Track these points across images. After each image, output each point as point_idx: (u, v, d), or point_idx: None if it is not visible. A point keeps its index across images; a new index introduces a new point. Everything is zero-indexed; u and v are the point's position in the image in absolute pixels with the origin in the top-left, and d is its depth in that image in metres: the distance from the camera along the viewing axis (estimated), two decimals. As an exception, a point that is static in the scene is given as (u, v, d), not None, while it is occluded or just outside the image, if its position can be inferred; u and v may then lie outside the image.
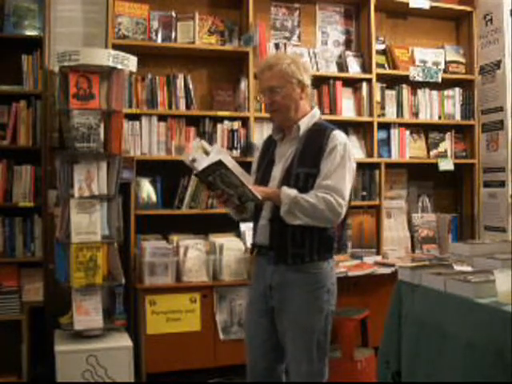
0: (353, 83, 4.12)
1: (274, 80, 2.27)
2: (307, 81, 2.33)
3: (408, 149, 4.21)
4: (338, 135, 2.27)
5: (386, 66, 4.21)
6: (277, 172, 2.30)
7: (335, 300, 2.32)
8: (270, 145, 2.43)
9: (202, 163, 2.10)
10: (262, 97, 2.39)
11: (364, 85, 4.06)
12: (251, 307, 2.40)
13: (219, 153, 2.21)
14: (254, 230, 2.37)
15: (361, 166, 4.06)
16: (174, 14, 3.74)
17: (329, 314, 2.28)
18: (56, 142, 3.39)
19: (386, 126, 4.15)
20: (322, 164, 2.21)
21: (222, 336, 3.38)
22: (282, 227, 2.21)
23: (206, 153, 2.23)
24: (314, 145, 2.25)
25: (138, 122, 3.60)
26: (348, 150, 2.25)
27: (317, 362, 2.25)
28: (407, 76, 4.15)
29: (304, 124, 2.31)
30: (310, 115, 2.34)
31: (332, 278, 2.30)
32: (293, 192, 2.17)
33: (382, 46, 4.24)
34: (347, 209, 2.25)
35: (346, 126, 4.13)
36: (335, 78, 4.03)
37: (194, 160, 2.19)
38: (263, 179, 2.33)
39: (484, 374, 1.81)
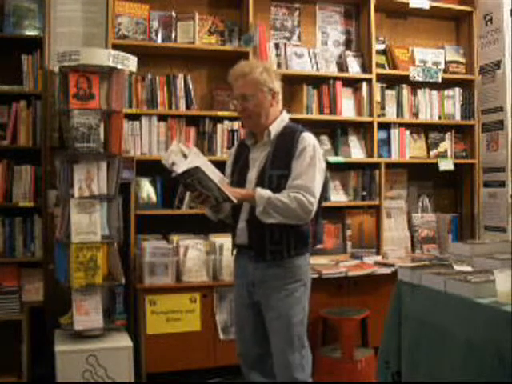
0: (353, 83, 4.12)
1: (247, 88, 2.40)
2: (278, 88, 2.47)
3: (408, 149, 4.21)
4: (307, 137, 2.40)
5: (385, 65, 4.21)
6: (252, 175, 2.43)
7: (309, 294, 2.49)
8: (243, 150, 2.55)
9: (181, 166, 2.22)
10: (235, 103, 2.51)
11: (364, 85, 4.06)
12: (237, 302, 2.56)
13: (196, 156, 2.31)
14: (234, 231, 2.50)
15: (361, 166, 4.07)
16: (174, 14, 3.74)
17: (305, 307, 2.45)
18: (56, 142, 3.39)
19: (385, 126, 4.15)
20: (293, 165, 2.35)
21: (221, 336, 3.39)
22: (260, 227, 2.35)
23: (185, 155, 2.33)
24: (285, 147, 2.39)
25: (138, 122, 3.60)
26: (317, 150, 2.39)
27: (297, 353, 2.39)
28: (407, 76, 4.15)
29: (274, 129, 2.44)
30: (280, 119, 2.48)
31: (308, 272, 2.48)
32: (267, 193, 2.31)
33: (382, 46, 4.24)
34: (318, 206, 2.39)
35: (346, 126, 4.14)
36: (335, 78, 4.03)
37: (173, 163, 2.30)
38: (239, 183, 2.46)
39: (484, 373, 1.81)
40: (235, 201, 2.28)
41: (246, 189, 2.41)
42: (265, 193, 2.31)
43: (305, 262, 2.44)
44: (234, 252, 2.58)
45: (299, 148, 2.36)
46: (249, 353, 2.52)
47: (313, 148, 2.37)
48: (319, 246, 3.87)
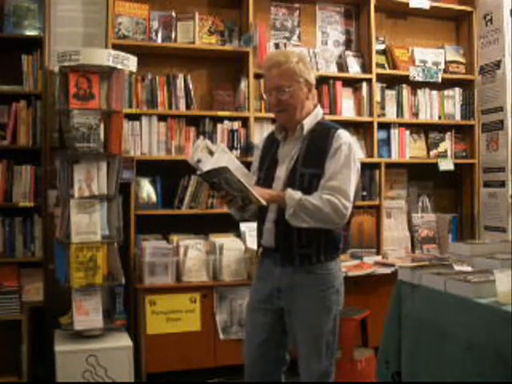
0: (353, 83, 4.12)
1: (282, 79, 2.21)
2: (313, 80, 2.30)
3: (408, 149, 4.21)
4: (343, 135, 2.24)
5: (385, 65, 4.21)
6: (281, 172, 2.27)
7: (343, 299, 2.33)
8: (271, 144, 2.38)
9: (207, 164, 2.08)
10: (267, 95, 2.32)
11: (364, 85, 4.06)
12: (255, 307, 2.36)
13: (223, 152, 2.17)
14: (260, 231, 2.34)
15: (361, 166, 4.05)
16: (174, 14, 3.74)
17: (337, 315, 2.29)
18: (56, 142, 3.39)
19: (386, 126, 4.15)
20: (327, 164, 2.18)
21: (222, 336, 3.39)
22: (288, 229, 2.19)
23: (211, 152, 2.18)
24: (319, 145, 2.22)
25: (138, 122, 3.60)
26: (353, 149, 2.22)
27: (325, 361, 2.25)
28: (407, 76, 4.15)
29: (307, 124, 2.27)
30: (314, 114, 2.31)
31: (340, 278, 2.31)
32: (298, 195, 2.14)
33: (382, 46, 4.24)
34: (352, 209, 2.23)
35: (346, 126, 4.10)
36: (335, 78, 4.03)
37: (199, 160, 2.15)
38: (266, 179, 2.29)
39: (484, 374, 1.81)
40: (265, 203, 2.09)
41: (275, 189, 2.23)
42: (296, 194, 2.14)
43: (336, 267, 2.28)
44: (259, 254, 2.37)
45: (334, 146, 2.18)
46: (256, 361, 2.34)
47: (348, 147, 2.20)
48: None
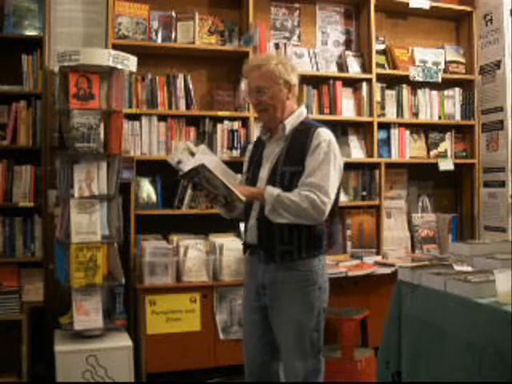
0: (353, 83, 4.12)
1: (262, 80, 2.30)
2: (294, 80, 2.36)
3: (408, 149, 4.21)
4: (323, 132, 2.29)
5: (385, 65, 4.21)
6: (264, 173, 2.34)
7: (327, 297, 2.36)
8: (259, 145, 2.46)
9: (187, 165, 2.15)
10: (249, 97, 2.42)
11: (364, 85, 4.06)
12: (245, 305, 2.47)
13: (204, 153, 2.25)
14: (245, 228, 2.42)
15: (361, 166, 4.07)
16: (173, 14, 3.73)
17: (321, 311, 2.32)
18: (56, 142, 3.39)
19: (386, 126, 4.15)
20: (307, 161, 2.24)
21: (221, 336, 3.39)
22: (270, 226, 2.25)
23: (192, 154, 2.26)
24: (299, 143, 2.28)
25: (137, 122, 3.60)
26: (333, 146, 2.27)
27: (311, 358, 2.29)
28: (407, 76, 4.15)
29: (289, 123, 2.34)
30: (296, 114, 2.37)
31: (324, 275, 2.34)
32: (276, 191, 2.21)
33: (382, 46, 4.24)
34: (334, 205, 2.28)
35: (346, 126, 4.14)
36: (335, 78, 4.03)
37: (179, 162, 2.24)
38: (252, 180, 2.38)
39: (484, 374, 1.81)
40: (244, 199, 2.17)
41: (256, 187, 2.32)
42: (274, 190, 2.21)
43: (319, 264, 2.31)
44: (247, 252, 2.46)
45: (314, 143, 2.25)
46: (254, 358, 2.41)
47: (328, 144, 2.25)
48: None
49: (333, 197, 2.24)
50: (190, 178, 2.15)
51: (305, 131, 2.30)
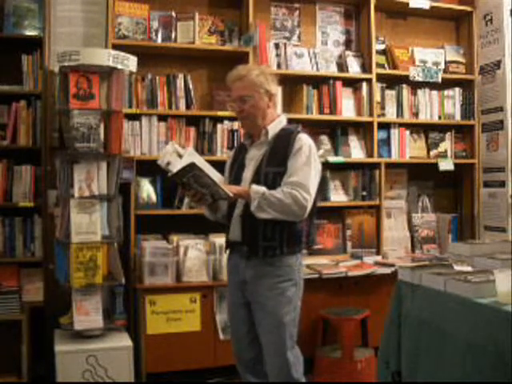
0: (353, 83, 4.12)
1: (244, 90, 2.47)
2: (275, 90, 2.54)
3: (408, 149, 4.21)
4: (303, 137, 2.46)
5: (385, 65, 4.21)
6: (248, 173, 2.48)
7: (302, 295, 2.49)
8: (240, 151, 2.62)
9: (176, 166, 2.26)
10: (232, 105, 2.59)
11: (364, 85, 4.06)
12: (230, 302, 2.61)
13: (192, 155, 2.36)
14: (228, 227, 2.53)
15: (361, 165, 4.07)
16: (173, 14, 3.74)
17: (297, 307, 2.45)
18: (56, 142, 3.39)
19: (385, 126, 4.15)
20: (289, 163, 2.39)
21: (221, 336, 3.39)
22: (253, 222, 2.38)
23: (180, 156, 2.38)
24: (282, 146, 2.44)
25: (137, 122, 3.60)
26: (313, 151, 2.45)
27: (289, 351, 2.40)
28: (407, 76, 4.15)
29: (272, 129, 2.50)
30: (278, 121, 2.53)
31: (300, 272, 2.49)
32: (261, 189, 2.35)
33: (382, 46, 4.24)
34: (313, 207, 2.42)
35: (346, 126, 4.14)
36: (335, 78, 4.03)
37: (168, 163, 2.37)
38: (235, 181, 2.50)
39: (484, 374, 1.81)
40: (231, 195, 2.31)
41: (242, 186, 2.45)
42: (259, 188, 2.35)
43: (297, 261, 2.46)
44: (228, 250, 2.60)
45: (295, 147, 2.41)
46: (243, 354, 2.54)
47: (308, 148, 2.42)
48: (319, 246, 3.92)
49: (313, 195, 2.39)
50: (180, 177, 2.26)
51: (286, 135, 2.46)
